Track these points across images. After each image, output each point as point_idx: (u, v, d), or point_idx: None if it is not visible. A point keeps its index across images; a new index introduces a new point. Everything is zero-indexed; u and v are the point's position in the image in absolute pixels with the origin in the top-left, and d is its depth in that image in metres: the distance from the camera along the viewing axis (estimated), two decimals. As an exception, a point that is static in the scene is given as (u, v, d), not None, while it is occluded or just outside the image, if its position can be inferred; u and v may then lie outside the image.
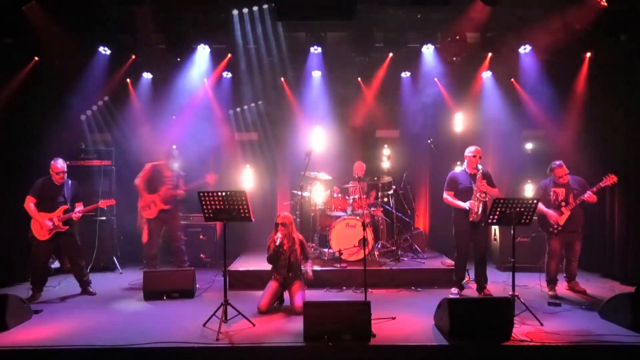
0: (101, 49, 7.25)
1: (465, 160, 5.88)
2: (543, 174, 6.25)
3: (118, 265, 7.48)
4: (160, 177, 6.52)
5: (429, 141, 7.77)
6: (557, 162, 5.91)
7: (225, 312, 4.75)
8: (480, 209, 5.59)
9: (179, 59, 7.64)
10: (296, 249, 5.40)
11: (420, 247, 7.48)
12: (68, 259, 6.21)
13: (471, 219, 5.62)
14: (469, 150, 5.84)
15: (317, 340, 4.16)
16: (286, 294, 5.46)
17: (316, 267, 6.22)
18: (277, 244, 5.26)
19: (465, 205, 5.62)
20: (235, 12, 7.04)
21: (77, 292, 6.07)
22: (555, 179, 5.91)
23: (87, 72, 7.33)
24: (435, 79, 8.32)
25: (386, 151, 7.83)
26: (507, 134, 8.29)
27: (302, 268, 5.53)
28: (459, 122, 8.29)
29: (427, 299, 5.68)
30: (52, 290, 6.21)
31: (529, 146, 8.15)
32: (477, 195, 5.60)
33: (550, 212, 5.84)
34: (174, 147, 6.82)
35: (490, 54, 7.66)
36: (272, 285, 5.39)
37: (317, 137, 8.37)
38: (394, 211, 7.29)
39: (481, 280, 5.84)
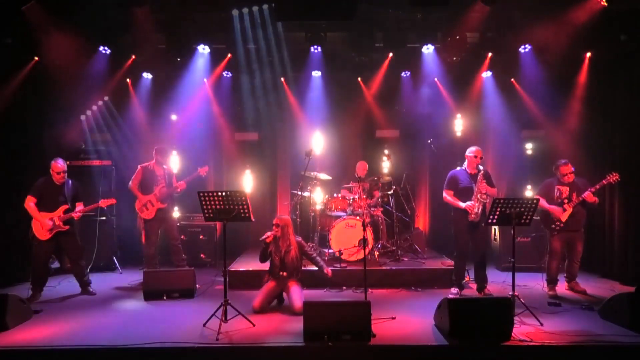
0: (101, 49, 7.25)
1: (466, 160, 5.88)
2: (542, 174, 6.26)
3: (118, 265, 7.48)
4: (152, 177, 6.54)
5: (429, 141, 7.78)
6: (563, 160, 5.93)
7: (225, 312, 4.74)
8: (480, 209, 5.59)
9: (179, 59, 7.64)
10: (291, 250, 5.40)
11: (420, 247, 7.47)
12: (68, 259, 6.21)
13: (470, 219, 5.62)
14: (470, 151, 5.84)
15: (317, 340, 4.15)
16: (286, 295, 5.46)
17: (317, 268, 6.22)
18: (263, 238, 5.30)
19: (464, 205, 5.62)
20: (235, 12, 7.04)
21: (77, 292, 6.07)
22: (560, 176, 5.92)
23: (87, 72, 7.33)
24: (435, 79, 8.33)
25: (386, 151, 7.83)
26: (507, 134, 8.30)
27: (318, 267, 5.54)
28: (459, 122, 8.29)
29: (427, 299, 5.68)
30: (52, 290, 6.21)
31: (528, 147, 8.13)
32: (478, 196, 5.60)
33: (552, 207, 5.85)
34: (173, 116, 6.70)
35: (490, 54, 7.66)
36: (268, 285, 5.41)
37: (317, 138, 8.36)
38: (394, 211, 7.29)
39: (481, 280, 5.84)
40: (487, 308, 4.37)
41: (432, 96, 8.47)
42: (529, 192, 7.79)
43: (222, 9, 7.00)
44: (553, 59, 7.32)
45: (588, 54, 7.23)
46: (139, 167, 6.61)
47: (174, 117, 8.30)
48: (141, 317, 5.12)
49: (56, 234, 5.79)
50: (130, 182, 6.53)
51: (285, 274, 5.37)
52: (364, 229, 5.16)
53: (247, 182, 8.52)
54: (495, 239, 7.64)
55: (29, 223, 5.79)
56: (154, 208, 6.47)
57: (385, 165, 7.55)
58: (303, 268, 5.63)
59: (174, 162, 7.95)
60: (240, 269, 6.47)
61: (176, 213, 7.42)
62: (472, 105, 8.35)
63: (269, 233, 5.38)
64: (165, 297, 5.74)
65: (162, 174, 6.61)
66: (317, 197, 7.48)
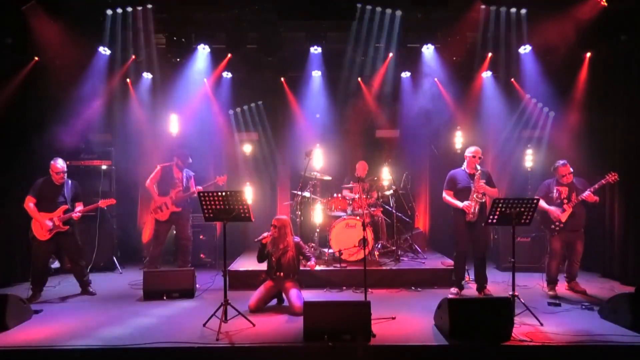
0: (101, 49, 7.25)
1: (465, 160, 5.88)
2: (541, 175, 6.26)
3: (118, 265, 7.48)
4: (170, 179, 6.52)
5: (432, 146, 7.80)
6: (561, 161, 5.93)
7: (225, 312, 4.75)
8: (477, 209, 5.60)
9: (179, 59, 7.64)
10: (289, 250, 5.40)
11: (420, 247, 7.48)
12: (68, 259, 6.21)
13: (468, 219, 5.62)
14: (469, 151, 5.85)
15: (317, 340, 4.15)
16: (285, 296, 5.46)
17: (317, 267, 6.21)
18: (259, 239, 5.34)
19: (462, 205, 5.63)
20: (235, 12, 7.04)
21: (77, 292, 6.07)
22: (558, 177, 5.93)
23: (87, 72, 7.34)
24: (435, 79, 8.34)
25: (386, 151, 7.84)
26: (507, 134, 8.30)
27: (305, 267, 5.52)
28: (459, 135, 8.31)
29: (427, 299, 5.68)
30: (52, 290, 6.21)
31: (528, 150, 8.12)
32: (475, 195, 5.60)
33: (552, 209, 5.85)
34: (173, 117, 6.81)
35: (490, 54, 7.66)
36: (265, 284, 5.42)
37: (317, 155, 8.30)
38: (394, 211, 7.29)
39: (481, 280, 5.84)
40: (487, 308, 4.38)
41: (432, 96, 8.47)
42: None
43: (222, 9, 7.00)
44: (553, 59, 7.33)
45: (588, 54, 7.23)
46: (158, 166, 6.58)
47: (173, 128, 8.28)
48: (141, 317, 5.11)
49: (56, 234, 5.78)
50: (147, 181, 6.50)
51: (282, 274, 5.38)
52: (364, 229, 5.15)
53: (247, 181, 8.52)
54: (495, 239, 7.63)
55: (28, 223, 5.79)
56: (169, 211, 6.45)
57: (385, 165, 7.55)
58: (301, 268, 5.62)
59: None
60: (240, 269, 6.47)
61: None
62: (472, 105, 8.35)
63: (265, 234, 5.39)
64: (165, 297, 5.74)
65: (181, 177, 6.58)
66: (317, 197, 7.48)
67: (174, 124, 8.24)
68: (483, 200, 5.64)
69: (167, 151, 7.17)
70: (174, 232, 6.92)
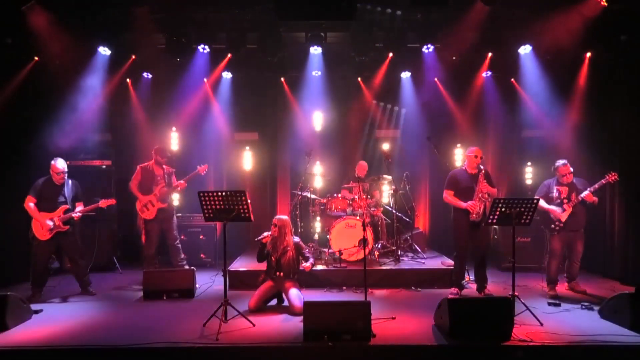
0: (101, 49, 7.25)
1: (466, 160, 5.88)
2: (542, 175, 6.25)
3: (118, 265, 7.48)
4: (152, 177, 6.54)
5: (427, 137, 7.75)
6: (562, 161, 5.93)
7: (225, 312, 4.75)
8: (481, 209, 5.60)
9: (179, 59, 7.64)
10: (288, 251, 5.41)
11: (420, 247, 7.48)
12: (68, 259, 6.21)
13: (472, 218, 5.62)
14: (470, 151, 5.84)
15: (317, 340, 4.15)
16: (285, 296, 5.46)
17: (316, 267, 6.22)
18: (259, 239, 5.36)
19: (466, 205, 5.63)
20: (235, 12, 7.04)
21: (77, 292, 6.07)
22: (559, 177, 5.93)
23: (87, 72, 7.34)
24: (435, 79, 8.34)
25: (386, 151, 7.83)
26: (507, 134, 8.30)
27: (300, 268, 5.54)
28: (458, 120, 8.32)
29: (427, 299, 5.68)
30: (52, 290, 6.21)
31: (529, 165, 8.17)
32: (480, 195, 5.60)
33: (552, 208, 5.85)
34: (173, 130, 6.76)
35: (490, 54, 7.66)
36: (265, 284, 5.43)
37: (317, 167, 8.29)
38: (394, 211, 7.29)
39: (481, 280, 5.84)
40: (487, 308, 4.38)
41: (432, 96, 8.47)
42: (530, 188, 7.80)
43: (222, 9, 6.99)
44: (553, 59, 7.33)
45: (588, 54, 7.23)
46: (137, 167, 6.62)
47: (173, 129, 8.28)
48: (141, 317, 5.11)
49: (56, 234, 5.79)
50: (130, 183, 6.53)
51: (281, 274, 5.38)
52: (364, 229, 5.16)
53: (247, 181, 8.52)
54: (495, 239, 7.63)
55: (28, 223, 5.79)
56: (155, 208, 6.47)
57: (385, 165, 7.55)
58: (300, 268, 5.62)
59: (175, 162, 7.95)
60: (240, 269, 6.47)
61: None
62: (472, 105, 8.35)
63: (265, 233, 5.40)
64: (165, 297, 5.75)
65: (162, 173, 6.61)
66: (317, 197, 7.48)
67: (174, 136, 8.25)
68: (488, 200, 5.64)
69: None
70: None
